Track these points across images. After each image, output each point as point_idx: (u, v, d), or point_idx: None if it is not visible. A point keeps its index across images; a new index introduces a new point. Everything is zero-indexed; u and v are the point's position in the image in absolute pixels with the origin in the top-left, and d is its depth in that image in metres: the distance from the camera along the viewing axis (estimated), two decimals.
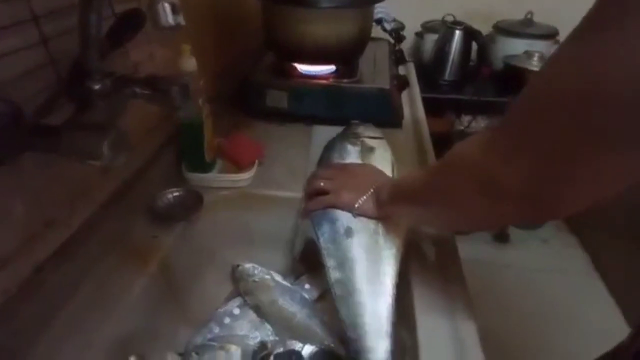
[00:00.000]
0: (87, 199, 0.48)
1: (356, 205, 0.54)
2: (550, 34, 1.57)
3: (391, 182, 0.54)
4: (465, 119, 1.58)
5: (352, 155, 0.66)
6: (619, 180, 0.28)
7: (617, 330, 0.59)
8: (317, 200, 0.57)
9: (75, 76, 0.38)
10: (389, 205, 0.51)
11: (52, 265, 0.44)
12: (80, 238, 0.47)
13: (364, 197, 0.54)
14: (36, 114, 0.37)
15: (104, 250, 0.51)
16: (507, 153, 0.31)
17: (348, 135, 0.70)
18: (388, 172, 0.63)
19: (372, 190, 0.54)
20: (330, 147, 0.70)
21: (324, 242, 0.53)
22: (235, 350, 0.51)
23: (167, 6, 0.27)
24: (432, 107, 1.13)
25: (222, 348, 0.51)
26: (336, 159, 0.66)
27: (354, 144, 0.68)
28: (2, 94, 0.34)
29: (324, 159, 0.69)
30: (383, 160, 0.66)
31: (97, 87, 0.37)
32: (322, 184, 0.57)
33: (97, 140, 0.32)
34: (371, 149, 0.67)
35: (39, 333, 0.42)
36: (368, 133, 0.71)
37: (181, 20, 0.28)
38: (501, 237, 1.84)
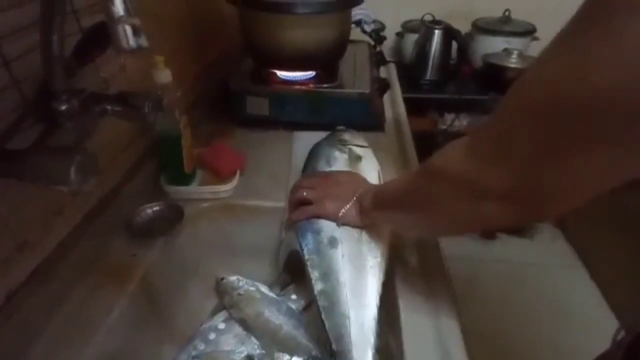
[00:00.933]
0: (60, 219, 0.47)
1: (340, 215, 0.53)
2: (528, 31, 1.59)
3: (374, 189, 0.54)
4: (448, 117, 1.59)
5: (339, 162, 0.66)
6: (601, 183, 0.28)
7: (604, 322, 0.60)
8: (300, 210, 0.56)
9: (42, 97, 0.37)
10: (373, 213, 0.51)
11: (26, 290, 0.42)
12: (55, 260, 0.46)
13: (347, 206, 0.53)
14: (1, 139, 0.35)
15: (81, 272, 0.50)
16: (491, 155, 0.32)
17: (334, 142, 0.69)
18: (375, 181, 0.63)
19: (355, 198, 0.54)
20: (315, 153, 0.69)
21: (308, 253, 0.53)
22: None
23: (128, 28, 0.26)
24: (415, 107, 1.14)
25: None
26: (323, 166, 0.66)
27: (341, 151, 0.67)
28: None
29: (310, 166, 0.68)
30: (370, 169, 0.65)
31: (63, 107, 0.36)
32: (304, 193, 0.57)
33: (63, 164, 0.31)
34: (359, 158, 0.66)
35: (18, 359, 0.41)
36: (355, 141, 0.70)
37: (143, 41, 0.27)
38: (488, 234, 1.85)
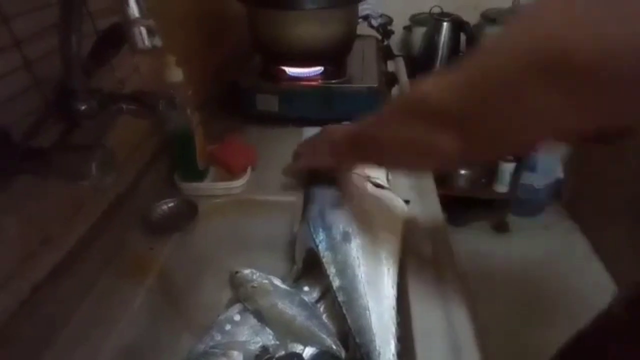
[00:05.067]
0: (81, 215, 0.49)
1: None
2: None
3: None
4: None
5: None
6: (550, 129, 0.30)
7: None
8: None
9: (61, 97, 0.39)
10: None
11: (50, 284, 0.44)
12: (76, 255, 0.47)
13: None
14: (24, 138, 0.37)
15: (101, 265, 0.52)
16: (459, 82, 0.33)
17: None
18: (383, 175, 0.63)
19: None
20: None
21: (322, 249, 0.54)
22: (238, 356, 0.52)
23: (143, 30, 0.28)
24: None
25: (224, 355, 0.52)
26: None
27: None
28: None
29: None
30: None
31: (83, 107, 0.38)
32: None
33: (84, 161, 0.33)
34: None
35: (41, 352, 0.43)
36: None
37: (158, 41, 0.28)
38: (501, 227, 1.84)
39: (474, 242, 1.74)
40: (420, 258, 0.55)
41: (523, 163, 1.69)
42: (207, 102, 0.83)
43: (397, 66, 1.18)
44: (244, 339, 0.56)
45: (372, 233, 0.54)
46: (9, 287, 0.40)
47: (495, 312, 1.41)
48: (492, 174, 1.74)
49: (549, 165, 1.86)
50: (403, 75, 1.11)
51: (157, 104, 0.43)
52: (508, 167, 1.70)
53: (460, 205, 1.74)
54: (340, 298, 0.50)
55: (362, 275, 0.50)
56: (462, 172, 1.75)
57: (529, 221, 1.89)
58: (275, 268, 0.65)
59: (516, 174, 1.71)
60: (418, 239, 0.57)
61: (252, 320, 0.58)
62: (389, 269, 0.51)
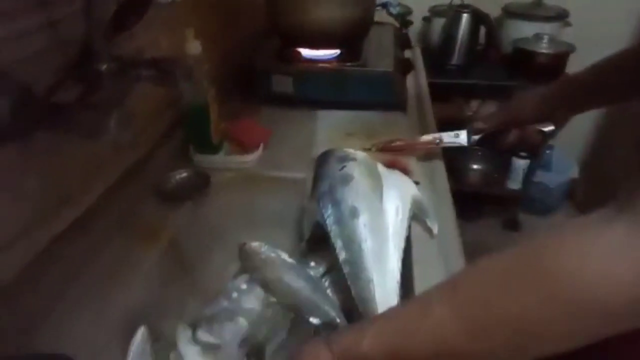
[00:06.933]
0: (99, 177, 0.51)
1: None
2: (559, 16, 1.54)
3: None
4: (474, 103, 1.57)
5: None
6: None
7: None
8: None
9: (83, 58, 0.40)
10: None
11: (66, 239, 0.46)
12: (92, 214, 0.49)
13: None
14: (46, 94, 0.38)
15: (116, 226, 0.53)
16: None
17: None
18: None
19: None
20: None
21: (330, 223, 0.55)
22: (243, 322, 0.53)
23: None
24: (440, 92, 1.13)
25: (229, 319, 0.54)
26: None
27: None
28: (13, 74, 0.36)
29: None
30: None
31: (103, 67, 0.39)
32: None
33: (103, 117, 0.34)
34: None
35: (55, 301, 0.44)
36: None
37: None
38: (511, 225, 1.83)
39: (484, 237, 1.73)
40: (427, 237, 0.56)
41: (538, 161, 1.67)
42: (223, 81, 0.84)
43: (414, 55, 1.17)
44: (250, 306, 0.57)
45: (380, 211, 0.55)
46: (26, 239, 0.42)
47: None
48: (505, 170, 1.73)
49: (564, 164, 1.84)
50: (419, 64, 1.10)
51: (175, 71, 0.45)
52: (522, 164, 1.68)
53: (471, 200, 1.73)
54: (345, 270, 0.51)
55: (368, 250, 0.51)
56: (475, 167, 1.73)
57: (540, 220, 1.87)
58: (283, 243, 0.66)
59: (530, 171, 1.69)
60: (425, 218, 0.58)
61: (259, 290, 0.59)
62: (394, 245, 0.52)
